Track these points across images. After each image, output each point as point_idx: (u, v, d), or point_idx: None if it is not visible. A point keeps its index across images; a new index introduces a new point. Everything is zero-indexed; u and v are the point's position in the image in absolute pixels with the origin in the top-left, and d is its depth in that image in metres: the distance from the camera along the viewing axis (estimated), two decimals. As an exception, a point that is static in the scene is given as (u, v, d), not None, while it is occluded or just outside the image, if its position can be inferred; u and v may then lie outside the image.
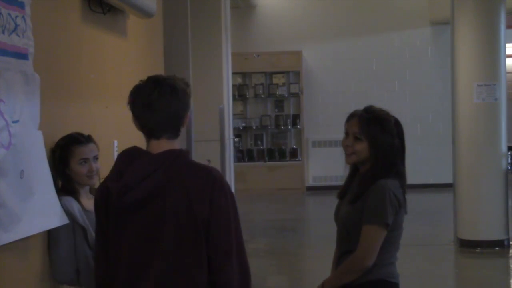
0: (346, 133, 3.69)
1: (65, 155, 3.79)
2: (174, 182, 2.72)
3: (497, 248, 9.14)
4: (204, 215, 2.71)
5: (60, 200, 3.64)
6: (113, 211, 2.77)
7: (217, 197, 2.74)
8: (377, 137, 3.60)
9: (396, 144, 3.63)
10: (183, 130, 2.88)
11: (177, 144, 2.84)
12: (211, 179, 2.75)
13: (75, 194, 3.79)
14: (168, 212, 2.72)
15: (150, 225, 2.73)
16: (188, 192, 2.72)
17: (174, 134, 2.83)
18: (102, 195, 2.83)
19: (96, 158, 3.90)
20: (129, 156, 2.82)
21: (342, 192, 3.78)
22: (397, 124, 3.71)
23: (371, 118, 3.64)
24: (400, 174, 3.63)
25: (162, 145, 2.81)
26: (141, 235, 2.75)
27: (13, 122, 3.19)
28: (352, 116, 3.69)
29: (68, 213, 3.64)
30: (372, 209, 3.52)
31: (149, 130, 2.83)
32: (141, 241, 2.75)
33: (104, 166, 4.82)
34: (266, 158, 14.87)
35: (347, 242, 3.66)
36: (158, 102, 2.78)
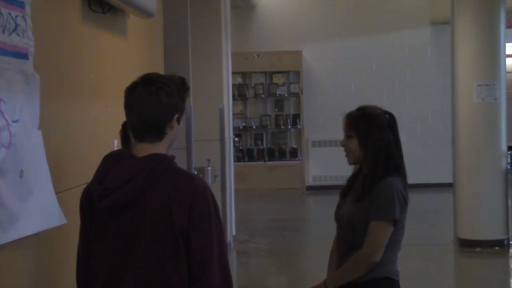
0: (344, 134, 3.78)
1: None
2: (155, 188, 2.65)
3: (497, 248, 9.14)
4: (183, 223, 2.63)
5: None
6: (96, 214, 2.73)
7: (197, 204, 2.65)
8: (365, 132, 3.65)
9: (387, 137, 3.66)
10: (172, 133, 2.77)
11: (163, 147, 2.75)
12: (192, 186, 2.67)
13: None
14: (147, 219, 2.65)
15: (129, 230, 2.67)
16: (168, 199, 2.64)
17: (157, 137, 2.72)
18: (87, 197, 2.78)
19: None
20: (113, 159, 2.76)
21: (345, 190, 3.80)
22: (390, 118, 3.74)
23: (359, 115, 3.71)
24: (399, 168, 3.65)
25: (145, 149, 2.72)
26: (120, 240, 2.69)
27: (13, 121, 3.19)
28: (345, 117, 3.77)
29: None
30: (381, 206, 3.55)
31: (133, 131, 2.76)
32: (120, 247, 2.69)
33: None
34: (266, 158, 14.87)
35: (351, 239, 3.67)
36: (139, 102, 2.70)
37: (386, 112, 3.76)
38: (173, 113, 2.73)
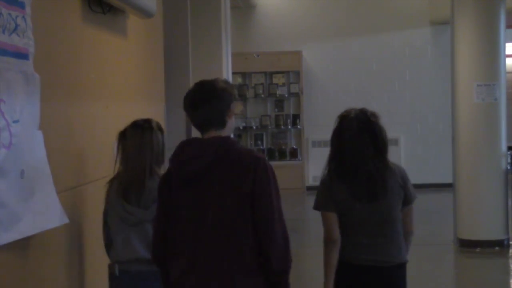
0: None
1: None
2: (222, 161, 3.25)
3: (497, 248, 9.14)
4: (248, 188, 3.22)
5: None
6: (174, 187, 3.31)
7: (259, 172, 3.24)
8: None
9: (336, 141, 4.08)
10: (230, 121, 3.38)
11: (226, 133, 3.37)
12: (254, 158, 3.28)
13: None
14: (218, 186, 3.23)
15: (202, 196, 3.25)
16: (233, 169, 3.24)
17: (221, 126, 3.34)
18: (165, 180, 3.37)
19: None
20: (184, 142, 3.37)
21: None
22: (365, 119, 4.02)
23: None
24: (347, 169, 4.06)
25: (212, 134, 3.33)
26: (195, 206, 3.26)
27: (14, 122, 3.20)
28: None
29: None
30: None
31: (197, 126, 3.35)
32: (195, 210, 3.26)
33: (104, 165, 4.83)
34: (266, 158, 14.85)
35: None
36: (200, 102, 3.31)
37: (356, 114, 4.02)
38: (229, 104, 3.36)
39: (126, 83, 5.47)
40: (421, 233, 10.05)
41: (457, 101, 9.41)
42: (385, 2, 14.67)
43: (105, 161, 4.86)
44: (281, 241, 3.32)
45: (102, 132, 4.81)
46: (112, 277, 4.28)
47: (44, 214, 3.48)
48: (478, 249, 9.12)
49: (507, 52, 9.72)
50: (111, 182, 4.28)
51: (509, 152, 9.50)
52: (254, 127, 14.97)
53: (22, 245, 3.39)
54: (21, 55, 3.30)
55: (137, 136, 4.19)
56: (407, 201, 4.05)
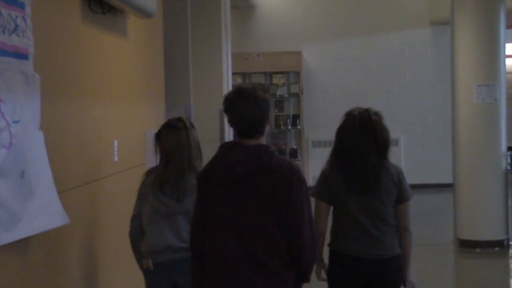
0: None
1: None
2: (263, 169, 3.47)
3: (497, 248, 9.14)
4: (283, 198, 3.44)
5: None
6: (215, 185, 3.51)
7: (295, 182, 3.47)
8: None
9: (339, 136, 4.26)
10: (267, 128, 3.63)
11: (263, 140, 3.60)
12: (291, 169, 3.50)
13: None
14: (257, 190, 3.45)
15: (243, 197, 3.46)
16: (273, 178, 3.45)
17: (260, 134, 3.58)
18: (205, 177, 3.59)
19: None
20: (229, 146, 3.61)
21: None
22: (367, 117, 4.20)
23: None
24: (345, 165, 4.23)
25: (253, 142, 3.54)
26: (232, 208, 3.46)
27: (14, 122, 3.20)
28: None
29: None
30: None
31: (240, 133, 3.56)
32: (235, 209, 3.46)
33: (105, 165, 4.83)
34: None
35: None
36: (244, 113, 3.52)
37: (360, 112, 4.21)
38: (268, 111, 3.61)
39: (126, 83, 5.47)
40: (421, 233, 10.06)
41: (457, 101, 9.41)
42: (385, 2, 14.66)
43: (105, 161, 4.86)
44: (309, 248, 3.53)
45: (102, 132, 4.82)
46: (146, 271, 4.36)
47: (45, 214, 3.48)
48: (478, 249, 9.12)
49: (507, 52, 9.72)
50: (148, 174, 4.42)
51: (509, 152, 9.50)
52: (254, 127, 14.95)
53: (23, 246, 3.39)
54: (21, 55, 3.30)
55: (174, 136, 4.32)
56: (401, 199, 4.19)
